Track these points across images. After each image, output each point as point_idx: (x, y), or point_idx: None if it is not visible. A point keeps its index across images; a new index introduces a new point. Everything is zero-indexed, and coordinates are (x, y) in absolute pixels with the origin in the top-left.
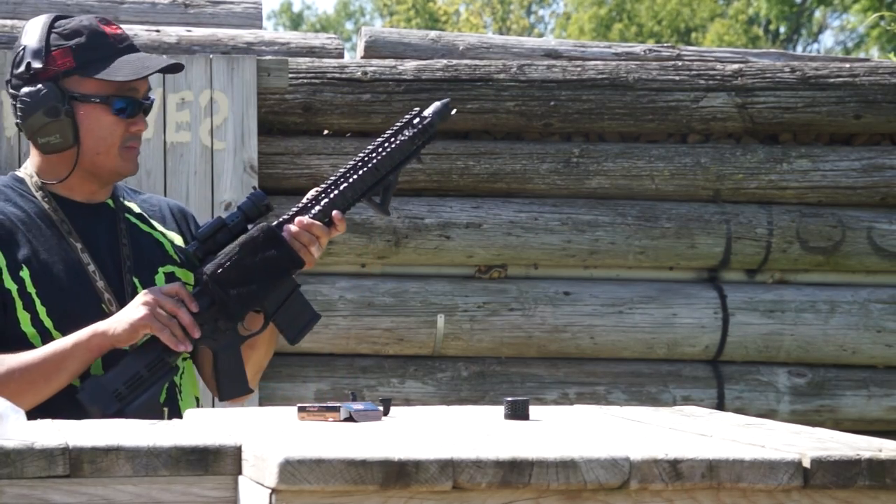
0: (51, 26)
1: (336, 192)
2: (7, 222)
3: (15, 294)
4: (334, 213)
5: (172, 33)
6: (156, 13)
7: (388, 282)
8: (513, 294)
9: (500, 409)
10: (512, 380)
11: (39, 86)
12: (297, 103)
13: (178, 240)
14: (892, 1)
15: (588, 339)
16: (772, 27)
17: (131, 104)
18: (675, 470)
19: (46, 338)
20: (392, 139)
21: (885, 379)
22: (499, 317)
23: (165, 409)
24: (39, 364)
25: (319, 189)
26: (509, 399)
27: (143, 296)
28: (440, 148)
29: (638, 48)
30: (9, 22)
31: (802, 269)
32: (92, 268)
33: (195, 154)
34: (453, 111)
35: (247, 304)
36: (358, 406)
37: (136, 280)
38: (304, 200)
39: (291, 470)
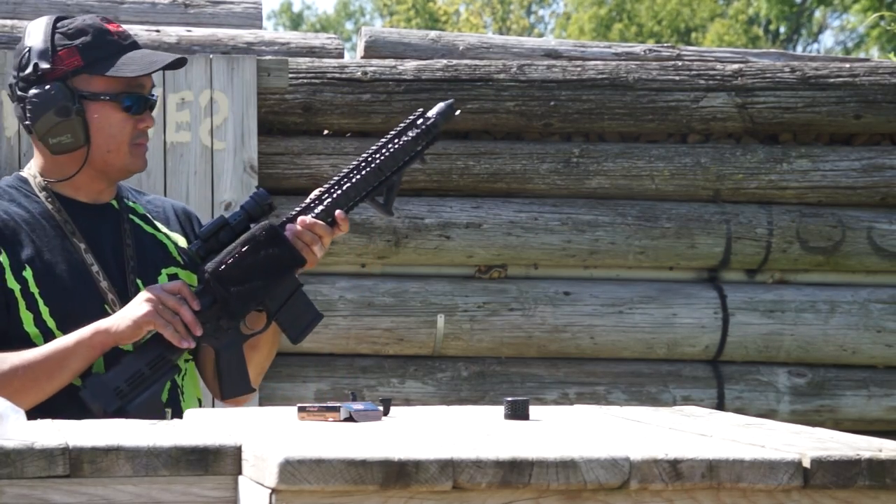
0: (54, 27)
1: (339, 191)
2: (11, 222)
3: (18, 294)
4: (337, 212)
5: (172, 33)
6: (156, 13)
7: (388, 282)
8: (513, 294)
9: (500, 409)
10: (512, 380)
11: (48, 86)
12: (297, 103)
13: (182, 241)
14: (892, 1)
15: (588, 339)
16: (772, 27)
17: (139, 101)
18: (675, 470)
19: (49, 338)
20: (396, 140)
21: (885, 379)
22: (499, 317)
23: (168, 410)
24: (42, 362)
25: (322, 189)
26: (509, 399)
27: (145, 293)
28: (440, 148)
29: (638, 48)
30: (9, 22)
31: (802, 269)
32: (95, 268)
33: (195, 154)
34: (457, 112)
35: (248, 301)
36: (358, 406)
37: (139, 281)
38: (308, 200)
39: (291, 470)
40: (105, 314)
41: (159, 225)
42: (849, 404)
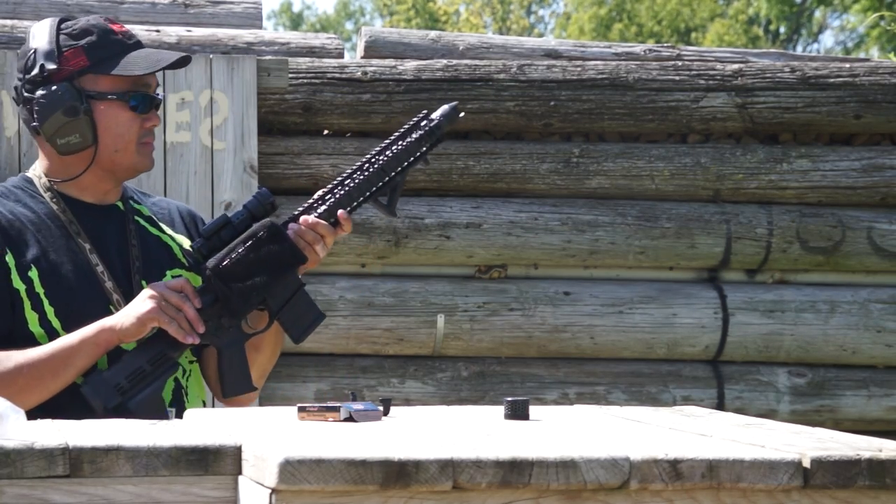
0: (59, 28)
1: (342, 192)
2: (17, 222)
3: (23, 294)
4: (340, 212)
5: (172, 33)
6: (156, 13)
7: (388, 282)
8: (513, 294)
9: (500, 409)
10: (512, 380)
11: (55, 87)
12: (297, 103)
13: (187, 243)
14: (892, 1)
15: (588, 339)
16: (772, 27)
17: (145, 100)
18: (675, 470)
19: (54, 338)
20: (399, 141)
21: (885, 379)
22: (499, 317)
23: (172, 410)
24: (47, 360)
25: (326, 189)
26: (509, 399)
27: (148, 290)
28: (440, 148)
29: (638, 48)
30: (9, 22)
31: (802, 269)
32: (100, 269)
33: (195, 154)
34: (461, 114)
35: (249, 298)
36: (358, 406)
37: (144, 282)
38: (311, 200)
39: (291, 470)
40: (110, 314)
41: (164, 227)
42: (849, 404)
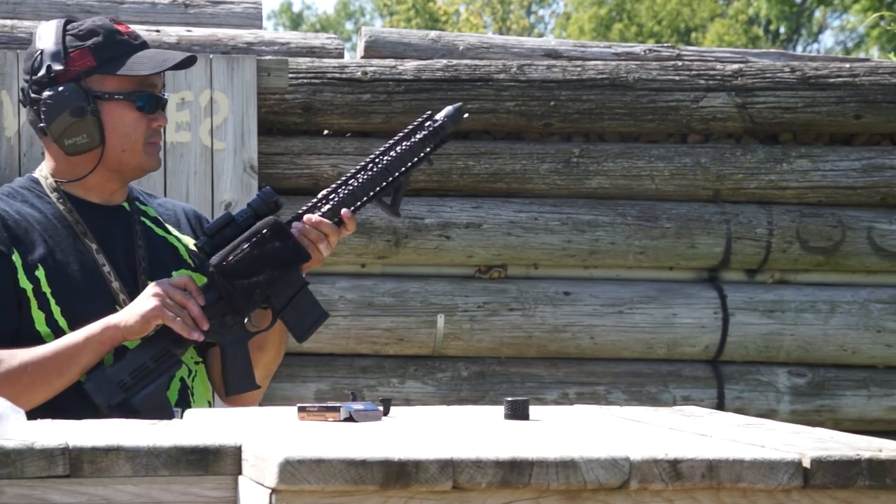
0: (65, 29)
1: (346, 191)
2: (23, 222)
3: (30, 293)
4: (343, 211)
5: (172, 33)
6: (156, 13)
7: (388, 282)
8: (513, 294)
9: (500, 409)
10: (512, 380)
11: (62, 87)
12: (297, 103)
13: (192, 244)
14: (892, 1)
15: (588, 339)
16: (772, 27)
17: (151, 100)
18: (675, 470)
19: (60, 337)
20: (403, 141)
21: (885, 379)
22: (499, 317)
23: (178, 410)
24: (52, 358)
25: (330, 188)
26: (509, 399)
27: (152, 288)
28: (440, 148)
29: (638, 48)
30: (9, 22)
31: (802, 269)
32: (107, 269)
33: (195, 154)
34: (465, 115)
35: (252, 296)
36: (358, 406)
37: (150, 283)
38: (314, 199)
39: (291, 470)
40: None
41: (170, 228)
42: (849, 404)
